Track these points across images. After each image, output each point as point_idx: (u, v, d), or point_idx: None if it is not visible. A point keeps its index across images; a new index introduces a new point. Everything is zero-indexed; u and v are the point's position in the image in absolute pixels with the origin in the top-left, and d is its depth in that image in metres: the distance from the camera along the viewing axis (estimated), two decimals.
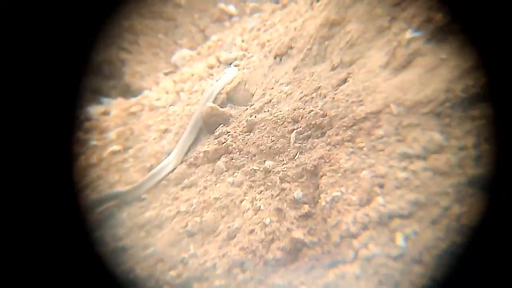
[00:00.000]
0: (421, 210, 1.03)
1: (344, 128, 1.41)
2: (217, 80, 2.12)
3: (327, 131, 1.47)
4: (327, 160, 1.37)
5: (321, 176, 1.34)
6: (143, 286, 1.36)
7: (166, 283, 1.32)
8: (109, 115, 2.88)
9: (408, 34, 1.33)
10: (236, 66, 2.23)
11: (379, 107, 1.32)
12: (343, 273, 1.05)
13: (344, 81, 1.56)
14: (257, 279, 1.19)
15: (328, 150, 1.40)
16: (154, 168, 1.87)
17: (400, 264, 0.98)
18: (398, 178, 1.12)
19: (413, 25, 1.33)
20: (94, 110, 3.17)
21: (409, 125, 1.20)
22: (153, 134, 2.20)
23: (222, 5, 4.71)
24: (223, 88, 2.08)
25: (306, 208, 1.29)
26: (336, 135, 1.42)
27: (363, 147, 1.29)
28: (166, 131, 2.16)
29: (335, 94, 1.56)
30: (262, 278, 1.18)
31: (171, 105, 2.38)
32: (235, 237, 1.34)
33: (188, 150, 1.90)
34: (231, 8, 4.69)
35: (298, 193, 1.34)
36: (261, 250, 1.24)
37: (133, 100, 2.90)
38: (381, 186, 1.14)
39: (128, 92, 3.92)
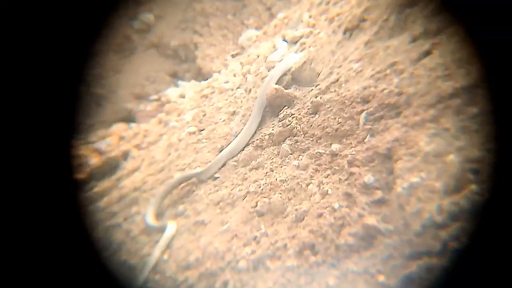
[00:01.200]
0: None
1: (425, 107, 1.27)
2: (277, 63, 2.09)
3: (404, 111, 1.34)
4: (403, 143, 1.26)
5: (396, 160, 1.25)
6: (222, 259, 1.46)
7: (242, 258, 1.40)
8: (185, 98, 3.10)
9: None
10: (296, 53, 2.16)
11: (475, 80, 1.15)
12: (429, 265, 0.98)
13: (427, 53, 1.39)
14: (329, 263, 1.18)
15: (405, 132, 1.29)
16: (224, 149, 1.97)
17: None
18: (502, 163, 0.96)
19: None
20: (173, 92, 3.45)
21: None
22: (222, 116, 2.30)
23: None
24: (283, 74, 2.05)
25: (379, 193, 1.22)
26: (415, 115, 1.29)
27: (450, 127, 1.15)
28: (234, 113, 2.24)
29: (415, 69, 1.40)
30: (334, 263, 1.17)
31: (238, 87, 2.44)
32: (303, 219, 1.35)
33: (255, 133, 1.94)
34: None
35: (369, 178, 1.28)
36: (331, 234, 1.23)
37: (204, 83, 3.06)
38: (476, 172, 1.00)
39: (200, 75, 4.14)
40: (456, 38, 1.31)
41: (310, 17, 2.54)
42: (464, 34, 1.29)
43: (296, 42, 2.33)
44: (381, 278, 1.05)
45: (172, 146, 2.45)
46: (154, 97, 3.61)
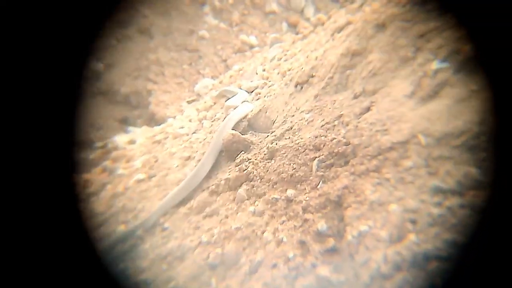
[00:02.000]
0: (462, 252, 0.95)
1: (368, 157, 1.37)
2: (232, 111, 2.15)
3: (351, 160, 1.43)
4: (352, 191, 1.32)
5: (346, 208, 1.29)
6: None
7: None
8: (135, 144, 2.98)
9: (435, 65, 1.30)
10: (249, 102, 2.27)
11: (406, 137, 1.28)
12: None
13: (367, 109, 1.54)
14: None
15: (353, 180, 1.35)
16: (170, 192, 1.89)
17: None
18: (432, 214, 1.05)
19: (439, 56, 1.31)
20: (121, 139, 3.30)
21: (440, 157, 1.14)
22: (176, 161, 2.23)
23: (243, 37, 4.90)
24: (239, 120, 2.11)
25: (331, 242, 1.23)
26: (361, 164, 1.37)
27: (390, 178, 1.24)
28: (188, 158, 2.19)
29: (358, 122, 1.53)
30: None
31: (194, 132, 2.43)
32: (257, 271, 1.29)
33: (207, 176, 1.90)
34: (252, 39, 4.87)
35: (322, 225, 1.29)
36: (284, 287, 1.19)
37: (157, 128, 2.99)
38: (414, 222, 1.07)
39: (153, 120, 4.07)
40: (389, 98, 1.48)
41: (264, 70, 2.72)
42: (396, 95, 1.46)
43: (251, 92, 2.44)
44: None
45: (116, 196, 2.27)
46: (99, 144, 3.41)
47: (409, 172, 1.19)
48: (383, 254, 1.06)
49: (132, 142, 3.08)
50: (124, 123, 3.96)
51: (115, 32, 4.38)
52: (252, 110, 2.14)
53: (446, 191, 1.06)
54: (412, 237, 1.04)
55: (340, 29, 2.11)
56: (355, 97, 1.64)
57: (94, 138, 3.55)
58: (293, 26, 5.08)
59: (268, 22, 5.08)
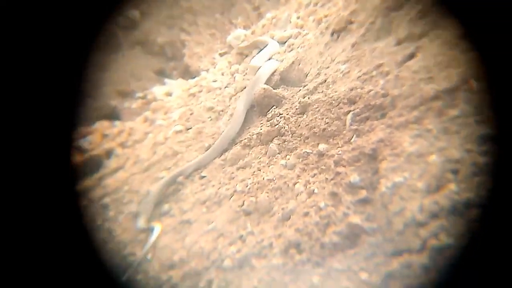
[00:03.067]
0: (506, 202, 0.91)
1: (408, 108, 1.31)
2: (262, 67, 2.09)
3: (389, 112, 1.37)
4: (388, 143, 1.29)
5: (381, 161, 1.27)
6: (208, 258, 1.45)
7: (227, 257, 1.40)
8: (172, 96, 3.07)
9: None
10: (277, 60, 2.18)
11: (455, 83, 1.19)
12: (409, 262, 1.00)
13: (412, 56, 1.43)
14: (314, 261, 1.19)
15: (389, 133, 1.32)
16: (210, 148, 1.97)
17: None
18: (478, 163, 0.99)
19: None
20: (159, 90, 3.41)
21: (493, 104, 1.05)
22: (210, 114, 2.29)
23: None
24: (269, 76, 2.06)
25: (363, 193, 1.24)
26: (399, 116, 1.32)
27: (432, 129, 1.18)
28: (222, 112, 2.24)
29: (400, 71, 1.44)
30: (319, 261, 1.18)
31: (226, 86, 2.43)
32: (289, 218, 1.36)
33: (239, 132, 1.94)
34: None
35: (354, 178, 1.30)
36: (316, 233, 1.24)
37: (192, 81, 3.03)
38: (455, 172, 1.03)
39: (187, 73, 4.10)
40: (439, 42, 1.36)
41: (298, 18, 2.56)
42: (447, 37, 1.33)
43: (284, 43, 2.35)
44: (364, 275, 1.07)
45: (158, 145, 2.42)
46: (140, 94, 3.55)
47: (454, 122, 1.13)
48: (419, 203, 1.06)
49: (169, 94, 3.18)
50: (161, 74, 4.04)
51: None
52: (277, 67, 2.06)
53: (497, 139, 1.00)
54: (452, 186, 1.02)
55: None
56: (399, 43, 1.52)
57: (135, 88, 3.69)
58: None
59: None
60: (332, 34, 1.91)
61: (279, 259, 1.26)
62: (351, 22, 1.85)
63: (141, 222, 1.87)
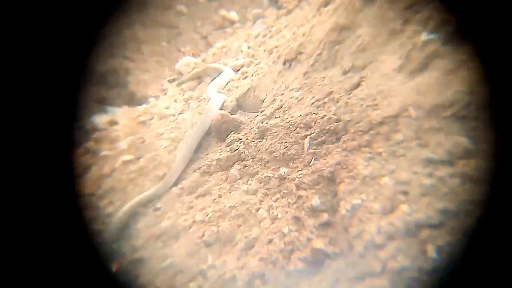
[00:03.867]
0: (453, 219, 1.00)
1: (360, 133, 1.39)
2: (212, 81, 2.10)
3: (342, 136, 1.45)
4: (344, 166, 1.35)
5: (339, 183, 1.32)
6: None
7: None
8: (118, 125, 2.88)
9: (423, 37, 1.31)
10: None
11: (396, 111, 1.30)
12: (372, 287, 1.02)
13: (357, 85, 1.55)
14: None
15: (345, 156, 1.38)
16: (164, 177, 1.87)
17: (435, 278, 0.95)
18: (424, 184, 1.09)
19: (427, 27, 1.31)
20: (100, 119, 3.17)
21: (430, 129, 1.17)
22: (164, 142, 2.19)
23: (224, 12, 4.73)
24: (222, 87, 2.07)
25: (325, 216, 1.26)
26: (352, 140, 1.40)
27: (382, 152, 1.27)
28: (177, 139, 2.16)
29: (349, 98, 1.54)
30: None
31: (180, 113, 2.37)
32: (253, 247, 1.32)
33: (197, 156, 1.88)
34: (233, 15, 4.71)
35: (316, 201, 1.32)
36: (281, 260, 1.22)
37: (141, 108, 2.90)
38: (405, 193, 1.11)
39: (133, 100, 3.92)
40: (378, 73, 1.50)
41: (249, 48, 2.66)
42: (385, 69, 1.47)
43: (238, 71, 2.39)
44: None
45: (103, 178, 2.22)
46: (77, 124, 3.26)
47: (400, 146, 1.22)
48: (377, 225, 1.10)
49: (113, 122, 2.98)
50: (102, 102, 3.79)
51: None
52: (232, 77, 2.06)
53: (437, 162, 1.10)
54: (404, 207, 1.09)
55: (327, 3, 2.08)
56: (345, 73, 1.64)
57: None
58: (274, 1, 4.95)
59: None
60: (284, 63, 2.00)
61: None
62: (300, 53, 1.97)
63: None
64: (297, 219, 1.31)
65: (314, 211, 1.31)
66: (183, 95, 2.54)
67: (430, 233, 1.00)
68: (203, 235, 1.46)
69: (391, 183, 1.16)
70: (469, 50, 1.16)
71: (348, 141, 1.41)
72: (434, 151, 1.12)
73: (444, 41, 1.25)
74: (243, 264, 1.29)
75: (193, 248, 1.45)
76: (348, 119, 1.46)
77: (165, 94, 2.87)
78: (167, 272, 1.43)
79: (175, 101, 2.55)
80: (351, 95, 1.55)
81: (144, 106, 2.89)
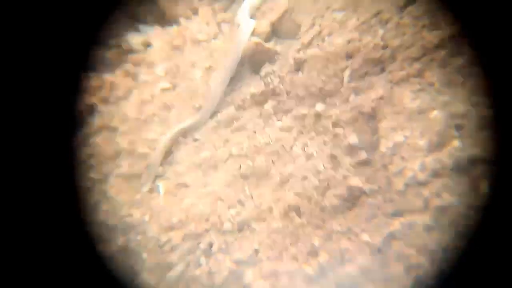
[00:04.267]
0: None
1: (410, 60, 1.24)
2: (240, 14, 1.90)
3: (389, 66, 1.30)
4: (388, 101, 1.25)
5: (380, 120, 1.24)
6: (207, 221, 1.46)
7: (227, 220, 1.41)
8: (153, 48, 2.81)
9: None
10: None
11: (463, 28, 1.10)
12: (411, 222, 1.02)
13: (414, 0, 1.31)
14: (314, 224, 1.21)
15: (390, 89, 1.26)
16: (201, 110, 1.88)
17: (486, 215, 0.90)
18: (484, 117, 0.96)
19: None
20: (134, 39, 3.08)
21: None
22: (198, 71, 2.14)
23: None
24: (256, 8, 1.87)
25: (363, 154, 1.23)
26: (400, 70, 1.26)
27: (435, 82, 1.13)
28: (210, 68, 2.09)
29: (401, 18, 1.33)
30: (319, 223, 1.20)
31: (213, 38, 2.24)
32: (288, 182, 1.36)
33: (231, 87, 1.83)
34: None
35: (353, 139, 1.27)
36: (316, 196, 1.25)
37: (172, 30, 2.78)
38: (459, 127, 1.01)
39: (163, 19, 3.74)
40: None
41: None
42: None
43: None
44: (365, 236, 1.11)
45: (145, 103, 2.28)
46: (112, 42, 3.19)
47: (460, 72, 1.07)
48: (421, 162, 1.04)
49: (147, 44, 2.90)
50: (133, 18, 3.64)
51: None
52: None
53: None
54: (455, 143, 1.00)
55: None
56: None
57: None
58: None
59: None
60: None
61: (279, 222, 1.28)
62: None
63: (148, 183, 1.82)
64: (333, 157, 1.30)
65: (351, 149, 1.27)
66: (216, 17, 2.35)
67: (485, 168, 0.92)
68: (240, 167, 1.52)
69: (442, 117, 1.06)
70: None
71: (394, 72, 1.27)
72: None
73: None
74: (278, 197, 1.35)
75: (231, 179, 1.53)
76: (397, 44, 1.29)
77: (196, 14, 2.68)
78: (208, 197, 1.54)
79: (207, 24, 2.39)
80: (404, 13, 1.34)
81: (175, 27, 2.75)
